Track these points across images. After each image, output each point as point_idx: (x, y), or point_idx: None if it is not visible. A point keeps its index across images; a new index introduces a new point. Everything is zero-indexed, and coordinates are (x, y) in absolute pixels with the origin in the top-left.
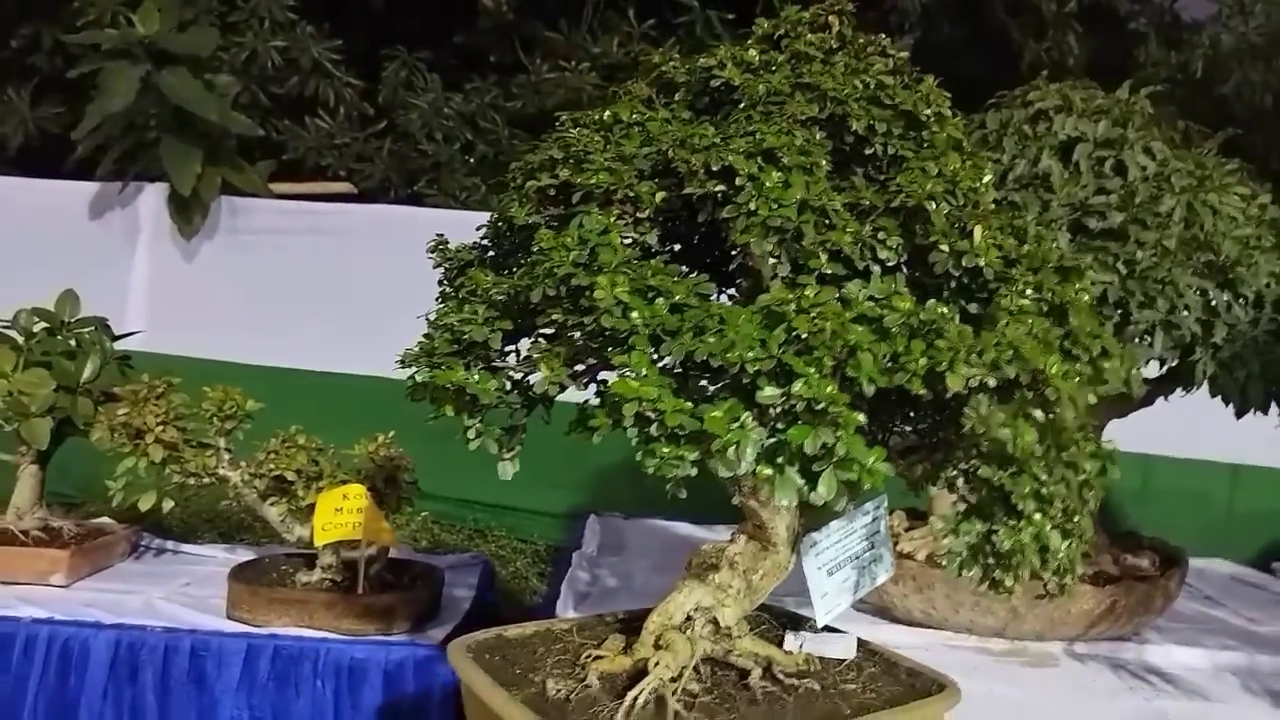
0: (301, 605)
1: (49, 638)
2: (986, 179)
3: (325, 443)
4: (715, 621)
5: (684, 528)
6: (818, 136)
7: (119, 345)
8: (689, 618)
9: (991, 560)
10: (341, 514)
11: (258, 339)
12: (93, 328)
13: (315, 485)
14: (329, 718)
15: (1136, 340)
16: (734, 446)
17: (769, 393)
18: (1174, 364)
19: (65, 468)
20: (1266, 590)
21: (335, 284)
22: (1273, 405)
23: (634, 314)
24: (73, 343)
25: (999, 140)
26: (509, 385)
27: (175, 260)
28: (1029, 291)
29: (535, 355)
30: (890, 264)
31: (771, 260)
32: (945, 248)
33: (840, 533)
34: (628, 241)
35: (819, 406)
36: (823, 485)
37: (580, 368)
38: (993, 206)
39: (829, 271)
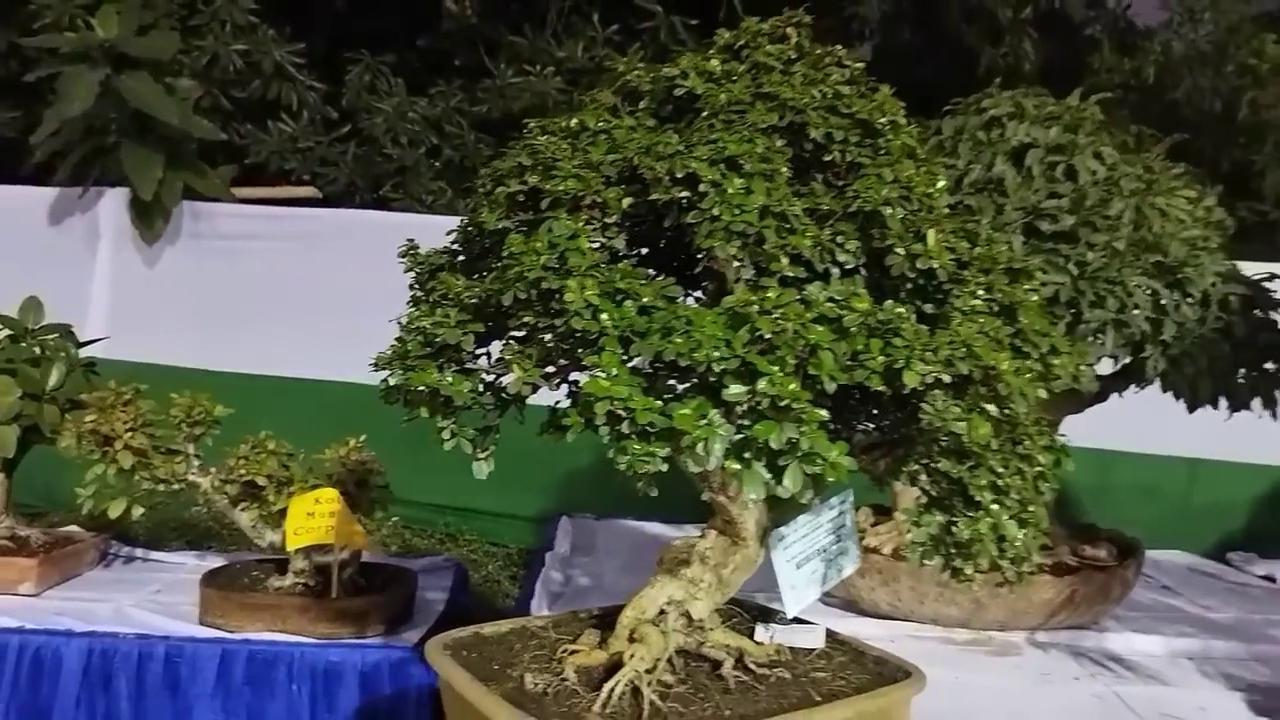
0: (275, 610)
1: (20, 647)
2: (940, 185)
3: (294, 448)
4: (688, 614)
5: (654, 527)
6: (778, 144)
7: (83, 352)
8: (662, 611)
9: (952, 550)
10: (314, 518)
11: (221, 345)
12: (57, 335)
13: (286, 490)
14: None
15: (1089, 339)
16: (703, 443)
17: (735, 391)
18: (1126, 361)
19: (29, 477)
20: (1221, 579)
21: (300, 289)
22: (1224, 401)
23: (603, 316)
24: (37, 350)
25: (954, 146)
26: (482, 387)
27: (137, 266)
28: (980, 292)
29: (508, 357)
30: (849, 267)
31: (735, 264)
32: (901, 251)
33: (807, 527)
34: (596, 246)
35: (783, 403)
36: (788, 479)
37: (552, 369)
38: (946, 211)
39: (790, 274)
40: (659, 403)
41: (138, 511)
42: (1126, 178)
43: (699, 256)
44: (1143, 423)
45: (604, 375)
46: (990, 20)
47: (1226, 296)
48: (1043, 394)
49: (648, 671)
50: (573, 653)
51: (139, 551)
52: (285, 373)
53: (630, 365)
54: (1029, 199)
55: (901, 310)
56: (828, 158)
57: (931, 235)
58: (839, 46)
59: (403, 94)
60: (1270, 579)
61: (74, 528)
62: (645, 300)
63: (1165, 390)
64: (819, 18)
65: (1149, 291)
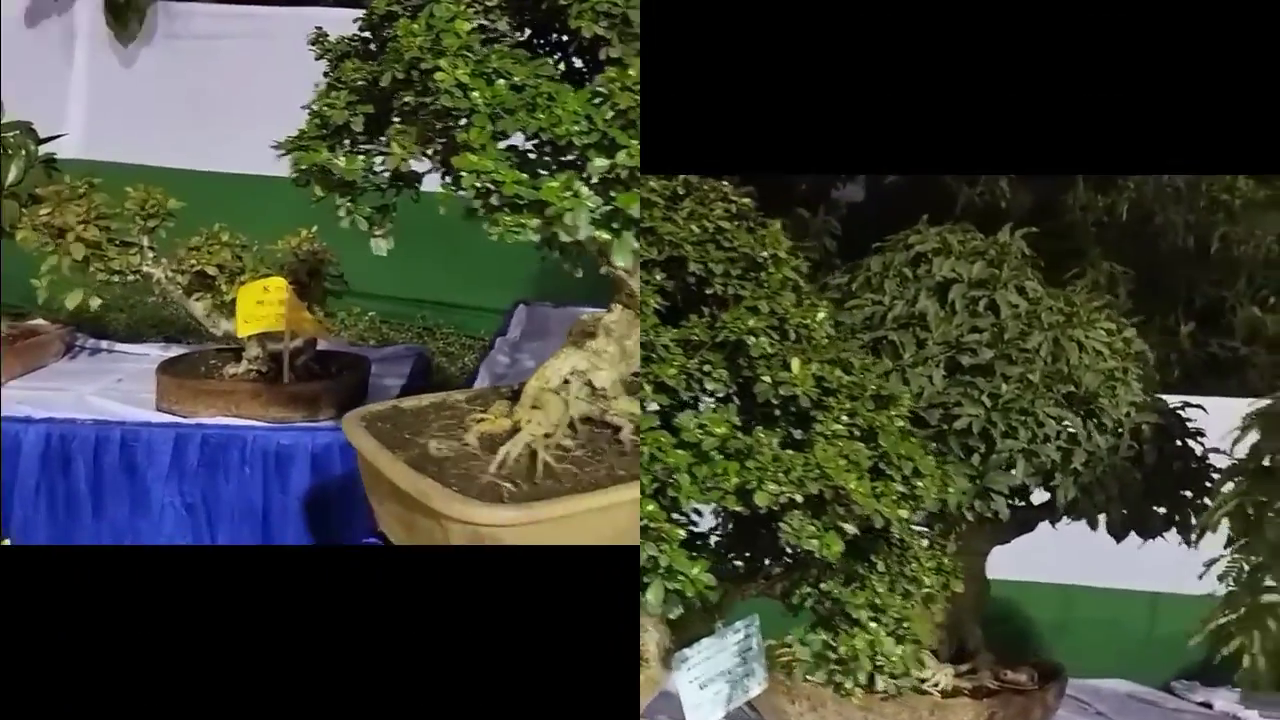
0: (228, 395)
1: None
2: (820, 316)
3: (251, 240)
4: (590, 384)
5: None
6: (658, 278)
7: (50, 148)
8: (566, 381)
9: (835, 666)
10: (263, 306)
11: (197, 144)
12: (17, 131)
13: (238, 280)
14: (258, 501)
15: (1001, 468)
16: (569, 213)
17: (598, 164)
18: (1046, 492)
19: (11, 280)
20: (1158, 706)
21: (273, 89)
22: (1174, 531)
23: (474, 94)
24: None
25: (881, 282)
26: (381, 166)
27: (113, 67)
28: (843, 417)
29: (389, 135)
30: (720, 394)
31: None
32: (767, 378)
33: (711, 649)
34: (479, 29)
35: (643, 524)
36: (650, 594)
37: (432, 148)
38: (826, 340)
39: (657, 403)
40: (525, 176)
41: (95, 303)
42: (1047, 311)
43: None
44: (1104, 557)
45: (473, 151)
46: None
47: (1140, 425)
48: (904, 514)
49: (546, 436)
50: (479, 421)
51: (104, 343)
52: (258, 171)
53: (506, 145)
54: (951, 333)
55: (763, 435)
56: (709, 291)
57: (795, 363)
58: (724, 181)
59: None
60: (1208, 705)
61: (39, 320)
62: (517, 79)
63: (1076, 519)
64: None
65: (1061, 422)
